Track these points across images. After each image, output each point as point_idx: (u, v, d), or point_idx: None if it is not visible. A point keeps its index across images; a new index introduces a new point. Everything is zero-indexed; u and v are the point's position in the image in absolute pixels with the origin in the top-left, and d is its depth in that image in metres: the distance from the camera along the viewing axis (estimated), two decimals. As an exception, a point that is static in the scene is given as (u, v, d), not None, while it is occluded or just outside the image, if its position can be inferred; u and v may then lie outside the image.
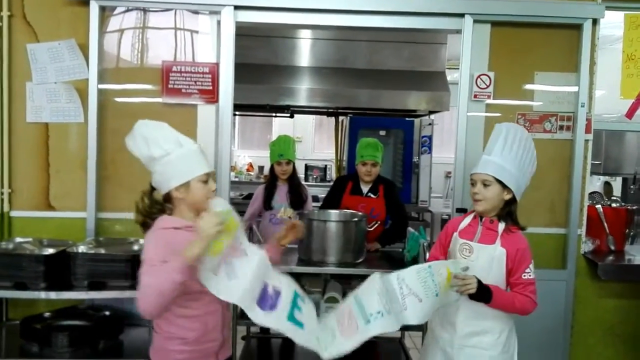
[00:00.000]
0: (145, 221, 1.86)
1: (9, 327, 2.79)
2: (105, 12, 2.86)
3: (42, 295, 2.40)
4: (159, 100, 2.88)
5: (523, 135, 2.02)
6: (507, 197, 1.98)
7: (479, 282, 1.90)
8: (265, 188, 3.59)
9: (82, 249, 2.52)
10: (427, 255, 2.65)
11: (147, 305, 1.62)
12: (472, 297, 1.90)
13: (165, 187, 1.82)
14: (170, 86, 2.87)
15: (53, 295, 2.39)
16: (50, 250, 2.49)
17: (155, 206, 1.87)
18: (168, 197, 1.84)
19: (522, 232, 2.03)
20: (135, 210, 1.88)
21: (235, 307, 2.83)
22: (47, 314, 2.61)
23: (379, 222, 3.33)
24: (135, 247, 2.65)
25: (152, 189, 1.88)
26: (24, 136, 2.86)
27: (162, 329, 1.82)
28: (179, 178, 1.80)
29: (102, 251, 2.53)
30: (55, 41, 2.81)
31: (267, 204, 3.53)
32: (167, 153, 1.81)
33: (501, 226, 2.00)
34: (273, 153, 3.54)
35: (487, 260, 1.98)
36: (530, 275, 1.97)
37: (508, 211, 2.00)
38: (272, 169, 3.59)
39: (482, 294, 1.90)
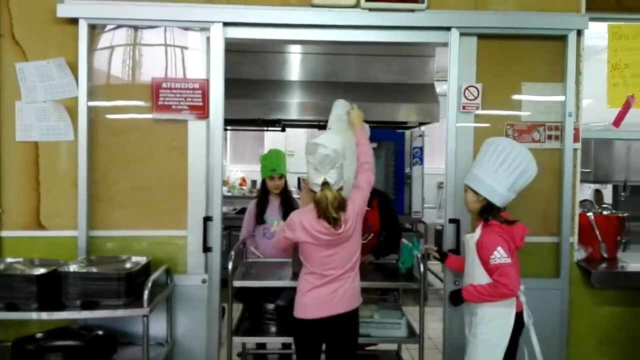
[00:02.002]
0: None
1: (0, 348, 2.75)
2: (95, 30, 2.87)
3: (34, 315, 2.39)
4: (150, 116, 2.89)
5: (504, 149, 2.33)
6: (483, 201, 2.37)
7: (453, 292, 2.47)
8: (257, 202, 3.59)
9: (73, 268, 2.50)
10: (422, 266, 2.66)
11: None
12: (453, 303, 2.47)
13: (341, 183, 2.39)
14: (160, 102, 2.88)
15: (45, 315, 2.38)
16: (42, 270, 2.47)
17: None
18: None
19: (509, 225, 2.36)
20: (334, 208, 2.27)
21: (230, 323, 2.81)
22: (39, 335, 2.57)
23: (372, 234, 3.33)
24: (128, 265, 2.64)
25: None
26: (14, 155, 2.84)
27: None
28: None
29: (94, 270, 2.52)
30: (44, 60, 2.82)
31: (260, 218, 3.52)
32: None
33: (483, 223, 2.39)
34: (265, 168, 3.54)
35: (467, 248, 2.42)
36: (495, 261, 2.25)
37: (486, 210, 2.37)
38: (263, 183, 3.59)
39: (456, 298, 2.42)
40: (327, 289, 2.33)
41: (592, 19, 2.92)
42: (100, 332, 2.61)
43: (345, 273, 2.34)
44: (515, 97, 2.99)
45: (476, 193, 2.37)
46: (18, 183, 2.85)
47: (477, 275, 2.32)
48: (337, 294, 2.33)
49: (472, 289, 2.33)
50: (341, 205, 2.31)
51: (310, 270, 2.39)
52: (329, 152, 2.31)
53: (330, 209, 2.27)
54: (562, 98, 2.97)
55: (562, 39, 2.94)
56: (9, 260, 2.66)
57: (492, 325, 2.32)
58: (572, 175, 2.96)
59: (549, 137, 2.98)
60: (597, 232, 3.13)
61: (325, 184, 2.32)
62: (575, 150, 2.97)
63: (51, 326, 2.64)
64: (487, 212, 2.35)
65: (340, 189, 2.40)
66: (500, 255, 2.23)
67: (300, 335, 2.45)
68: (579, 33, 2.94)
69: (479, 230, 2.38)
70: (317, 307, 2.34)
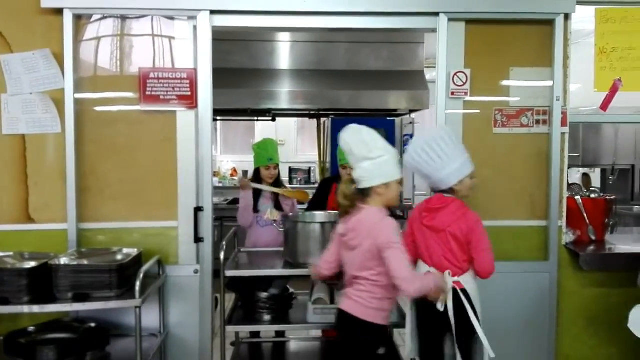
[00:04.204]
0: (350, 207, 2.29)
1: (-8, 343, 2.75)
2: (81, 21, 2.84)
3: (26, 309, 2.37)
4: (138, 108, 2.86)
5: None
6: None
7: None
8: (250, 192, 3.58)
9: (64, 260, 2.49)
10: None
11: (411, 288, 2.15)
12: None
13: (369, 183, 2.23)
14: (148, 93, 2.85)
15: (37, 308, 2.36)
16: (32, 264, 2.46)
17: (359, 195, 2.28)
18: (367, 191, 2.26)
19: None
20: (342, 197, 2.30)
21: (222, 313, 2.82)
22: (31, 328, 2.56)
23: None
24: (119, 257, 2.63)
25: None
26: (1, 149, 2.81)
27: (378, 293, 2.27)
28: (385, 177, 2.24)
29: (85, 262, 2.51)
30: (30, 51, 2.78)
31: (254, 207, 3.52)
32: (380, 155, 2.22)
33: None
34: (260, 157, 3.53)
35: None
36: None
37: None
38: (256, 172, 3.59)
39: None
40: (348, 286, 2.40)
41: (579, 3, 2.92)
42: (92, 325, 2.61)
43: (352, 279, 2.34)
44: (504, 82, 3.00)
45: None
46: (6, 176, 2.82)
47: None
48: (346, 293, 2.38)
49: None
50: (350, 205, 2.29)
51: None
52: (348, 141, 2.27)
53: (339, 198, 2.33)
54: (550, 83, 2.98)
55: (550, 23, 2.95)
56: (-2, 254, 2.65)
57: None
58: (560, 160, 2.98)
59: (537, 121, 3.00)
60: (585, 215, 3.16)
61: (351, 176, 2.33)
62: (563, 134, 2.99)
63: (43, 319, 2.63)
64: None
65: (368, 190, 2.25)
66: None
67: None
68: (567, 17, 2.94)
69: None
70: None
